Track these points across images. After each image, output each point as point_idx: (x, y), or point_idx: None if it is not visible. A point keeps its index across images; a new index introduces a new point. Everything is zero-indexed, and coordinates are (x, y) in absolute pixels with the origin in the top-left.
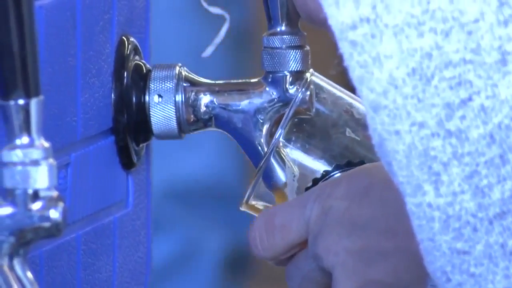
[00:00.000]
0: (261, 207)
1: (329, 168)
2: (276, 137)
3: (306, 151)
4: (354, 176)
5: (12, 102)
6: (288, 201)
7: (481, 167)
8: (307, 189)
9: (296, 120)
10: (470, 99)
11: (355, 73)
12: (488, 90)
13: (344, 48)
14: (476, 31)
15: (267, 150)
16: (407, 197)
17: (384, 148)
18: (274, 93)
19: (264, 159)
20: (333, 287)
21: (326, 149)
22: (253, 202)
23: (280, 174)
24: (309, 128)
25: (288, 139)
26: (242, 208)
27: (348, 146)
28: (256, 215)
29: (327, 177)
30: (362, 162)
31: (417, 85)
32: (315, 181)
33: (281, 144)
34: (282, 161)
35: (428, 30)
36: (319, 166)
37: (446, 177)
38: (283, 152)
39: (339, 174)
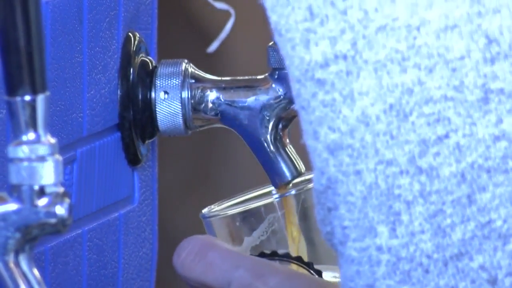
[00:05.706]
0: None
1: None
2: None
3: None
4: (294, 276)
5: (18, 98)
6: (234, 249)
7: (446, 206)
8: (261, 254)
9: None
10: (446, 136)
11: (314, 114)
12: (466, 128)
13: (305, 88)
14: (461, 68)
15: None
16: (349, 242)
17: (331, 192)
18: (280, 90)
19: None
20: None
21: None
22: (212, 218)
23: (286, 171)
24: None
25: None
26: (203, 211)
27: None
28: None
29: (276, 258)
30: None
31: (392, 122)
32: (261, 254)
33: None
34: (289, 159)
35: (412, 66)
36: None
37: (406, 217)
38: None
39: (280, 262)
